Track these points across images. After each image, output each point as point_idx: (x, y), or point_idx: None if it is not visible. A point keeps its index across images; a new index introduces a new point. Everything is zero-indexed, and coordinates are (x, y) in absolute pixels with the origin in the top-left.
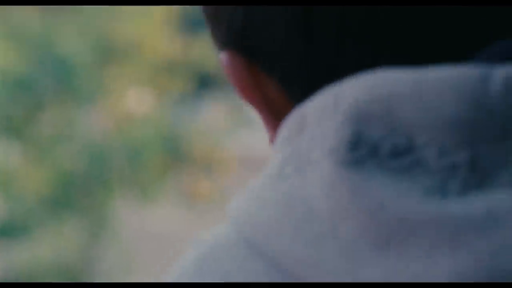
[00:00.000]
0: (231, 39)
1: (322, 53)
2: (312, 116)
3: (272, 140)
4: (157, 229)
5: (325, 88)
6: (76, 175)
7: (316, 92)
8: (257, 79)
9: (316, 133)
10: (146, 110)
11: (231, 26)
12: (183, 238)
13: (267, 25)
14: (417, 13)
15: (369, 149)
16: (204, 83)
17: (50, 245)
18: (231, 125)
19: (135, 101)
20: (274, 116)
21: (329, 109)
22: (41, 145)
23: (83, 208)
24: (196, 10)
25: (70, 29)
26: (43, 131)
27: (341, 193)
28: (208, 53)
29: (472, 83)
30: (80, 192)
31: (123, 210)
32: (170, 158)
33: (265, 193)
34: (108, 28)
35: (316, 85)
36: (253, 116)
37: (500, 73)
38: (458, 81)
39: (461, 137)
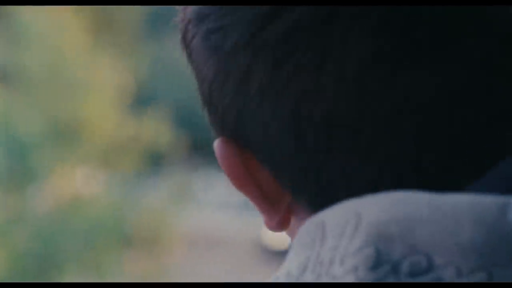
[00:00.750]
0: (225, 129)
1: (311, 151)
2: (333, 229)
3: (267, 224)
4: None
5: (344, 201)
6: (28, 257)
7: (307, 186)
8: (249, 166)
9: (338, 248)
10: (95, 190)
11: (225, 118)
12: None
13: (259, 122)
14: (408, 125)
15: (389, 268)
16: (154, 161)
17: None
18: (180, 203)
19: (85, 182)
20: (267, 201)
21: (350, 226)
22: None
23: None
24: (145, 87)
25: (24, 108)
26: None
27: None
28: (158, 131)
29: (491, 212)
30: (33, 273)
31: None
32: (117, 238)
33: None
34: (60, 108)
35: (307, 178)
36: (201, 194)
37: None
38: (476, 208)
39: (477, 260)
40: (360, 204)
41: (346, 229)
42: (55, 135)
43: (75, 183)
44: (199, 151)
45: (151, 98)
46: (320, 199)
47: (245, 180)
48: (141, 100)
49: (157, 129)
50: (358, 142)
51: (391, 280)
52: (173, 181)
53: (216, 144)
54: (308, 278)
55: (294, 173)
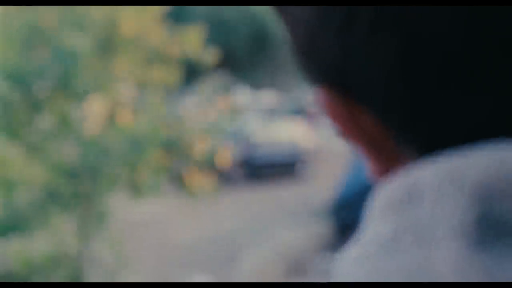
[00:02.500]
0: (328, 75)
1: (421, 94)
2: (430, 189)
3: (374, 172)
4: (151, 220)
5: (439, 159)
6: (73, 169)
7: (415, 129)
8: (353, 112)
9: (438, 209)
10: (140, 102)
11: (328, 64)
12: (176, 228)
13: (364, 62)
14: None
15: (498, 228)
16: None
17: (48, 237)
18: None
19: (126, 97)
20: (373, 148)
21: (452, 186)
22: (39, 139)
23: (80, 201)
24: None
25: (70, 22)
26: (41, 125)
27: (471, 273)
28: (195, 47)
29: None
30: (77, 185)
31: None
32: (165, 150)
33: (382, 264)
34: (107, 22)
35: (416, 122)
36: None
37: None
38: None
39: None
40: (460, 161)
41: (447, 189)
42: (101, 49)
43: (117, 98)
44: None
45: (188, 13)
46: (426, 146)
47: (350, 127)
48: (179, 16)
49: (194, 44)
50: (471, 86)
51: (500, 241)
52: (209, 94)
53: (318, 92)
54: (406, 244)
55: (400, 117)
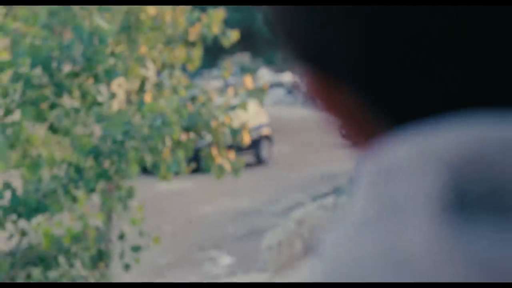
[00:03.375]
0: (307, 54)
1: (390, 70)
2: (406, 167)
3: (352, 144)
4: (175, 197)
5: (415, 136)
6: (98, 148)
7: (387, 103)
8: (331, 88)
9: (414, 187)
10: (164, 82)
11: (307, 43)
12: (199, 204)
13: (341, 44)
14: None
15: (472, 206)
16: (215, 55)
17: (74, 215)
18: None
19: (153, 75)
20: (350, 121)
21: (427, 164)
22: (65, 119)
23: (105, 179)
24: None
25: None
26: (67, 105)
27: (444, 250)
28: (218, 26)
29: None
30: (102, 164)
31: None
32: (189, 129)
33: (360, 244)
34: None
35: (387, 96)
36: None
37: None
38: None
39: None
40: (436, 138)
41: (423, 166)
42: (122, 32)
43: (141, 79)
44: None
45: None
46: (399, 119)
47: (328, 101)
48: None
49: (216, 26)
50: (435, 63)
51: (472, 220)
52: (232, 74)
53: (298, 70)
54: (382, 220)
55: (374, 91)
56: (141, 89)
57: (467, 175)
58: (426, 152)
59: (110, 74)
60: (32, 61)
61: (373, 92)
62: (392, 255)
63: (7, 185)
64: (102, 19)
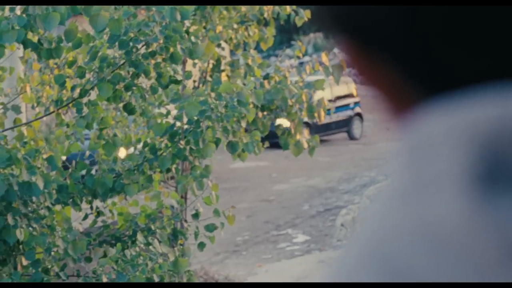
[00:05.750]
0: (346, 25)
1: (427, 40)
2: (443, 140)
3: (391, 116)
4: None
5: (452, 109)
6: (174, 128)
7: (426, 76)
8: (373, 62)
9: (450, 161)
10: (239, 62)
11: (345, 16)
12: (276, 181)
13: (378, 15)
14: None
15: (508, 180)
16: (288, 33)
17: (150, 195)
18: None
19: (228, 54)
20: (390, 93)
21: (463, 137)
22: (141, 100)
23: (181, 159)
24: None
25: None
26: (143, 86)
27: (476, 212)
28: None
29: None
30: (177, 144)
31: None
32: (265, 107)
33: (398, 217)
34: None
35: (426, 70)
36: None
37: None
38: None
39: None
40: (472, 112)
41: (459, 140)
42: (196, 12)
43: (216, 59)
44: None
45: None
46: (433, 93)
47: (370, 74)
48: None
49: (289, 5)
50: (472, 36)
51: (507, 194)
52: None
53: (338, 41)
54: (419, 194)
55: (414, 65)
56: (216, 69)
57: (498, 148)
58: (459, 125)
59: (191, 53)
60: (110, 38)
61: (411, 64)
62: (426, 227)
63: (83, 165)
64: None
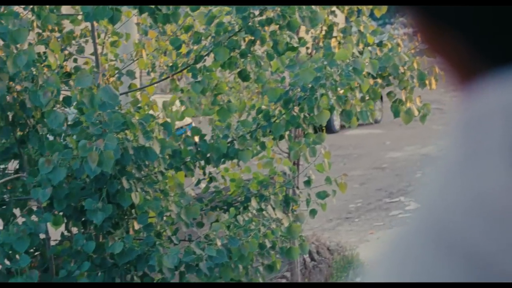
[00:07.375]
0: (427, 13)
1: (491, 16)
2: (498, 115)
3: (455, 84)
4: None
5: (503, 86)
6: (287, 94)
7: (490, 50)
8: (442, 35)
9: (499, 132)
10: (351, 29)
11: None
12: (389, 149)
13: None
14: None
15: None
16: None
17: (262, 162)
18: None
19: (340, 21)
20: (455, 64)
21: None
22: (255, 66)
23: (293, 126)
24: None
25: None
26: (257, 53)
27: None
28: None
29: None
30: (291, 110)
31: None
32: (378, 75)
33: (451, 188)
34: None
35: (488, 40)
36: None
37: None
38: None
39: None
40: None
41: (509, 116)
42: None
43: (327, 26)
44: None
45: None
46: (495, 64)
47: (438, 46)
48: None
49: None
50: None
51: None
52: None
53: (412, 17)
54: (472, 166)
55: (475, 38)
56: (328, 35)
57: None
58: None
59: (311, 21)
60: (230, 7)
61: (475, 37)
62: (478, 199)
63: (196, 131)
64: None
